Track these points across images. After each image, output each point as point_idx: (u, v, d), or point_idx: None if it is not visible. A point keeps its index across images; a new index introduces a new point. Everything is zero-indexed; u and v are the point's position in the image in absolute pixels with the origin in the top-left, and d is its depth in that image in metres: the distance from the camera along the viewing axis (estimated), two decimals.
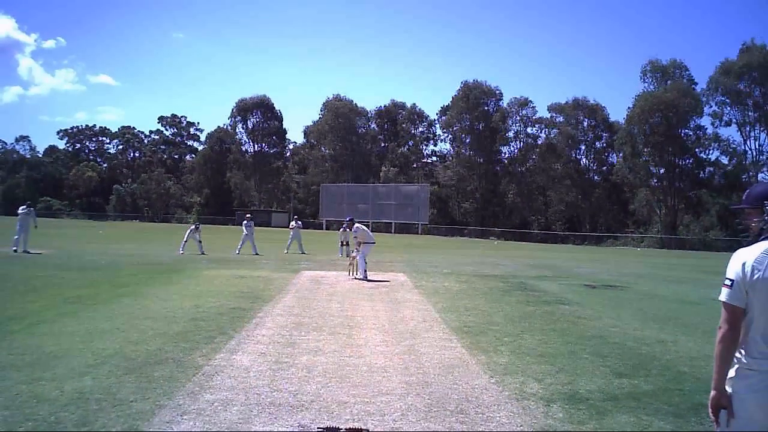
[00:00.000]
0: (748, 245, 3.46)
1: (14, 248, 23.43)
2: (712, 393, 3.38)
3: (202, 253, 26.34)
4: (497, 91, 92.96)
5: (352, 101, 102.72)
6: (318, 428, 3.71)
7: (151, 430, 5.22)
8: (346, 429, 3.67)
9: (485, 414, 5.97)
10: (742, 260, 3.38)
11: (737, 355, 3.37)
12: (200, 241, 27.34)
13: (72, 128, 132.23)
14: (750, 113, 72.57)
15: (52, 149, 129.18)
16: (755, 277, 3.30)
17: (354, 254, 18.99)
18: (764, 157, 73.18)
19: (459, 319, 11.58)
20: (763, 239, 3.40)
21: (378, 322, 11.17)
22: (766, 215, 3.42)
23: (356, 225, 19.70)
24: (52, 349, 7.94)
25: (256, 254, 27.55)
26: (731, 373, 3.38)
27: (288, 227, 34.64)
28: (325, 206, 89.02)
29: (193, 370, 7.20)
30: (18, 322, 9.81)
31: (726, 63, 71.99)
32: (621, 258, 39.23)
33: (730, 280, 3.38)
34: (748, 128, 73.63)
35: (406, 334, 9.97)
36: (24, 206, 24.48)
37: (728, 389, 3.36)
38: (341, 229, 27.56)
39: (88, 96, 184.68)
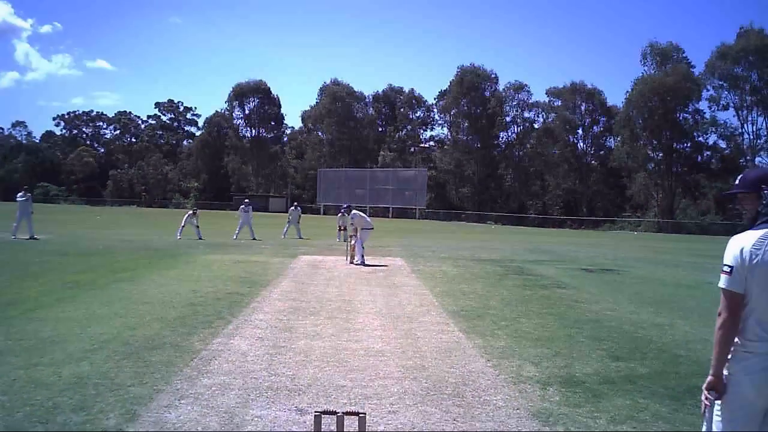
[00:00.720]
0: (743, 230, 3.46)
1: (12, 235, 23.35)
2: (710, 378, 3.39)
3: (200, 238, 26.33)
4: (493, 75, 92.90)
5: (350, 86, 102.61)
6: (315, 412, 3.71)
7: (148, 414, 5.23)
8: (343, 412, 3.67)
9: (482, 397, 6.00)
10: (740, 246, 3.38)
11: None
12: (198, 226, 27.32)
13: (68, 113, 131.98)
14: (747, 97, 72.43)
15: (48, 134, 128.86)
16: (754, 261, 3.30)
17: (352, 240, 18.99)
18: (762, 141, 73.18)
19: (456, 304, 11.61)
20: (761, 224, 3.39)
21: (375, 306, 11.20)
22: (764, 200, 3.40)
23: (353, 211, 19.69)
24: (50, 334, 7.95)
25: (254, 239, 27.56)
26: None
27: (287, 212, 34.61)
28: (322, 191, 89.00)
29: (190, 355, 7.22)
30: (16, 308, 9.81)
31: (723, 47, 71.74)
32: (618, 242, 39.28)
33: (729, 266, 3.38)
34: (745, 112, 73.55)
35: (404, 319, 10.00)
36: (21, 192, 24.43)
37: (724, 371, 3.37)
38: (339, 214, 27.51)
39: (85, 81, 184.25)
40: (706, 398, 3.40)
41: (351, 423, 3.71)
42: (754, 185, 3.49)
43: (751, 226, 3.45)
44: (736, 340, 3.38)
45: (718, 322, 3.38)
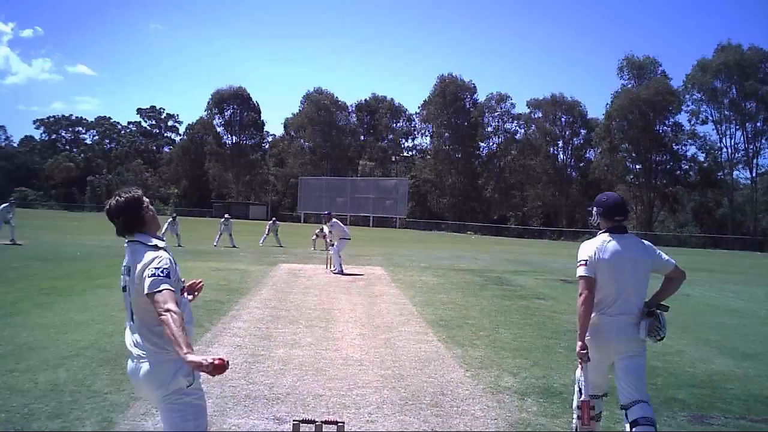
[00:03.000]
0: (593, 237, 4.89)
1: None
2: (579, 344, 4.69)
3: (179, 246, 26.20)
4: (471, 85, 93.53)
5: (333, 95, 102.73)
6: (293, 421, 3.71)
7: (125, 422, 5.20)
8: (321, 421, 3.68)
9: (460, 407, 6.02)
10: (589, 246, 4.78)
11: None
12: (178, 234, 27.20)
13: (48, 117, 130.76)
14: (726, 111, 73.30)
15: (27, 139, 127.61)
16: (597, 257, 4.69)
17: (330, 249, 18.97)
18: (740, 155, 74.03)
19: (435, 313, 11.64)
20: (603, 232, 4.82)
21: (355, 315, 11.20)
22: (593, 217, 4.96)
23: (333, 220, 19.67)
24: (27, 341, 7.88)
25: (234, 247, 27.49)
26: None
27: (267, 222, 34.57)
28: (303, 199, 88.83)
29: None
30: None
31: (702, 61, 72.63)
32: None
33: (584, 260, 4.72)
34: (723, 126, 74.43)
35: (383, 328, 10.01)
36: (6, 203, 24.35)
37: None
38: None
39: (65, 86, 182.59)
40: (580, 362, 4.76)
41: None
42: (592, 207, 4.97)
43: (598, 232, 4.90)
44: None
45: (580, 300, 4.67)
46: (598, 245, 4.74)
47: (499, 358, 8.08)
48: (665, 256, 4.98)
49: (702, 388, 7.05)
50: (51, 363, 6.90)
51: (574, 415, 4.94)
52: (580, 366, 4.79)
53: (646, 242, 4.95)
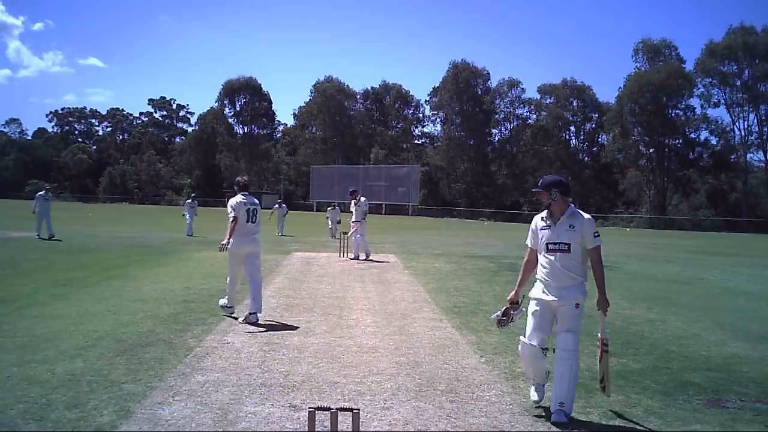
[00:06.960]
0: (539, 212, 6.04)
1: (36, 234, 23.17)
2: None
3: (190, 234, 26.31)
4: (485, 72, 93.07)
5: (343, 83, 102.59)
6: (309, 408, 3.72)
7: (142, 411, 5.23)
8: (337, 409, 3.69)
9: (475, 393, 6.02)
10: (534, 221, 6.08)
11: None
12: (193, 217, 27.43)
13: (62, 109, 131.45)
14: (739, 94, 72.65)
15: (41, 131, 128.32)
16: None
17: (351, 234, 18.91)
18: (753, 138, 73.45)
19: (449, 300, 11.64)
20: (544, 209, 5.95)
21: (369, 302, 11.22)
22: (552, 196, 5.83)
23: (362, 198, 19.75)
24: (43, 332, 7.93)
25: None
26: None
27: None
28: (315, 188, 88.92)
29: (184, 352, 7.22)
30: (8, 305, 9.77)
31: (711, 44, 71.97)
32: (610, 238, 39.34)
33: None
34: (736, 109, 73.77)
35: (397, 315, 10.02)
36: (42, 192, 24.14)
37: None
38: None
39: (77, 78, 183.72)
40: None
41: (345, 419, 3.72)
42: (548, 187, 5.84)
43: (544, 209, 5.98)
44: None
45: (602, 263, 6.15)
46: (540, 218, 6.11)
47: (513, 344, 8.02)
48: None
49: (717, 372, 7.02)
50: (68, 353, 6.95)
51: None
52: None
53: None
